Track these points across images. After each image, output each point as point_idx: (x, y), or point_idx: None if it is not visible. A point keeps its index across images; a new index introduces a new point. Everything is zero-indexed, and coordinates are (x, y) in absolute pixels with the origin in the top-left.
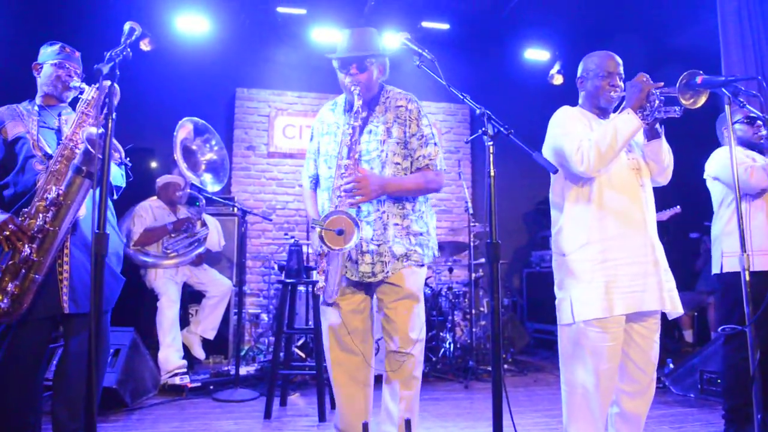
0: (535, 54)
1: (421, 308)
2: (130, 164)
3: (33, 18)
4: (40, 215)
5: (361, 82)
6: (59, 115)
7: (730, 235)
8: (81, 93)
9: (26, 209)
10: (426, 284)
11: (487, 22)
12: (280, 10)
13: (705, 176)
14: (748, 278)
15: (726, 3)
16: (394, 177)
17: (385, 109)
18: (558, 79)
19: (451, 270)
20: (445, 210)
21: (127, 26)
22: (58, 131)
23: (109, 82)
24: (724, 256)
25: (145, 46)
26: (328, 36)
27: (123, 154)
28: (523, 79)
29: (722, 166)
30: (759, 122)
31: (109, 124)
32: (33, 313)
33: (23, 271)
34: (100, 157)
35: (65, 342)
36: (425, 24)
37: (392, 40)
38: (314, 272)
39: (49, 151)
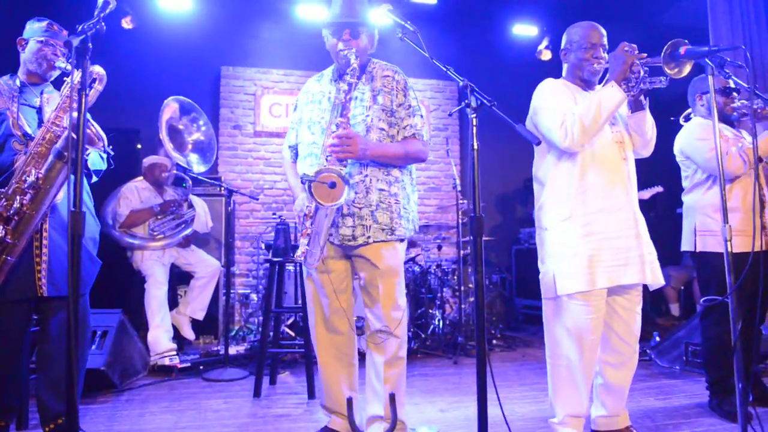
0: (524, 29)
1: (402, 284)
2: (111, 153)
3: None
4: (18, 197)
5: (356, 48)
6: (41, 93)
7: (703, 212)
8: (66, 74)
9: (2, 189)
10: (415, 262)
11: None
12: None
13: (675, 151)
14: (731, 249)
15: None
16: (379, 142)
17: (371, 78)
18: (546, 55)
19: (440, 247)
20: (434, 188)
21: None
22: (39, 110)
23: (98, 68)
24: (698, 234)
25: (127, 24)
26: (313, 13)
27: (106, 142)
28: (511, 54)
29: (692, 146)
30: (734, 93)
31: (83, 101)
32: (7, 295)
33: None
34: (75, 137)
35: (43, 325)
36: None
37: (375, 13)
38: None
39: (29, 131)
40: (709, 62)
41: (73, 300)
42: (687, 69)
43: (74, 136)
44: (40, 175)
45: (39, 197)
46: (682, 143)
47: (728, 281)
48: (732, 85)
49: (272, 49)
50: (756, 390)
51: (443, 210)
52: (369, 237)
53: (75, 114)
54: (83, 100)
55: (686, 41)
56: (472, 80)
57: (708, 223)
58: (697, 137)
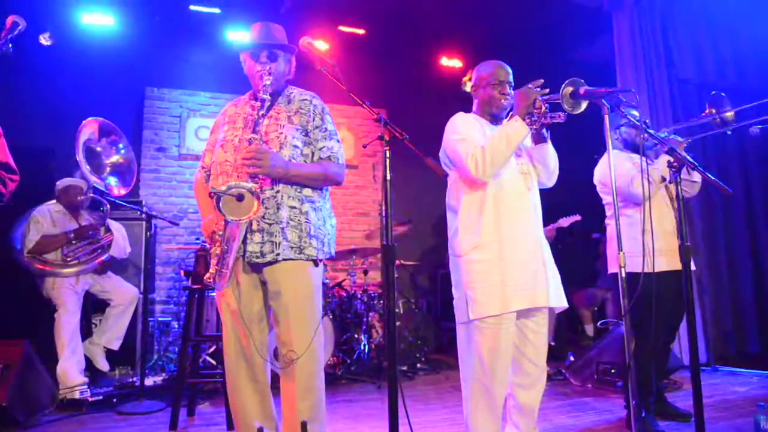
0: (449, 61)
1: (314, 309)
2: None
3: None
4: None
5: (271, 69)
6: None
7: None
8: None
9: None
10: (341, 286)
11: (402, 28)
12: (193, 8)
13: (594, 182)
14: (623, 275)
15: (621, 22)
16: (292, 159)
17: (288, 101)
18: (470, 86)
19: (366, 272)
20: (362, 213)
21: (9, 20)
22: None
23: None
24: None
25: (45, 40)
26: (243, 36)
27: None
28: (438, 84)
29: (605, 173)
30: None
31: None
32: None
33: None
34: None
35: None
36: (342, 28)
37: (295, 42)
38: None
39: None
40: (605, 102)
41: None
42: (583, 106)
43: None
44: None
45: None
46: (596, 173)
47: (622, 304)
48: (647, 121)
49: (200, 71)
50: (660, 405)
51: (371, 235)
52: (278, 254)
53: None
54: None
55: (582, 81)
56: (400, 108)
57: (626, 245)
58: (608, 164)
